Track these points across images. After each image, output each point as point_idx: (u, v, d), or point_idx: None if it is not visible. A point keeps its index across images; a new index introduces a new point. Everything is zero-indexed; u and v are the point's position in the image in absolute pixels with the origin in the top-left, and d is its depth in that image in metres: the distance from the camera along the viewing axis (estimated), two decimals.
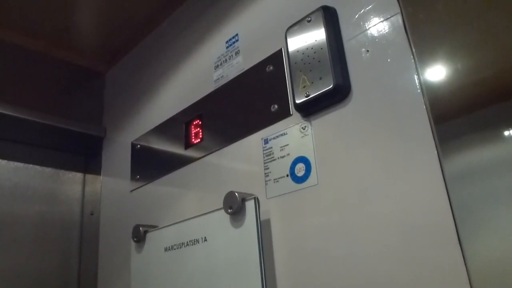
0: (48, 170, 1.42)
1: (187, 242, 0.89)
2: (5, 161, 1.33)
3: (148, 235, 1.02)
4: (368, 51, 0.73)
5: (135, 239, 1.03)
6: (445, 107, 0.64)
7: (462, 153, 0.62)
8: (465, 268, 0.55)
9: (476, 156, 0.61)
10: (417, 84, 0.65)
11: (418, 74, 0.66)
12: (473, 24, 0.65)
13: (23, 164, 1.37)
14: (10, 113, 1.23)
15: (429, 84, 0.65)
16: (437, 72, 0.66)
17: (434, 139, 0.62)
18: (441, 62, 0.66)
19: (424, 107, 0.64)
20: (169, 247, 0.93)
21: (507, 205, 0.57)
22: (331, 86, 0.72)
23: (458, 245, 0.56)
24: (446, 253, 0.57)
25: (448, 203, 0.58)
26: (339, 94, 0.73)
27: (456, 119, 0.64)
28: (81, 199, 1.47)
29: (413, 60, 0.67)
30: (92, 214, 1.41)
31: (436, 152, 0.61)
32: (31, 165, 1.38)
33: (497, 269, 0.56)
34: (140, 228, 1.02)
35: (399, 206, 0.63)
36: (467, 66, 0.64)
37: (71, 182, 1.47)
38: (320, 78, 0.74)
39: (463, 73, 0.64)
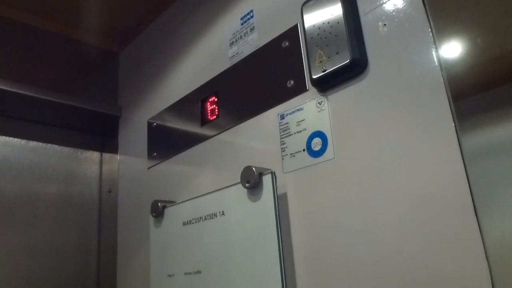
0: (66, 149, 1.44)
1: (205, 216, 0.91)
2: (25, 140, 1.36)
3: (167, 210, 1.04)
4: (385, 25, 0.73)
5: (153, 214, 1.06)
6: (464, 83, 0.64)
7: (481, 130, 0.61)
8: (481, 241, 0.56)
9: (496, 133, 0.60)
10: (435, 59, 0.65)
11: (436, 49, 0.65)
12: None
13: (41, 143, 1.39)
14: (28, 93, 1.25)
15: (447, 59, 0.64)
16: (456, 47, 0.65)
17: (453, 115, 0.61)
18: (460, 37, 0.65)
19: (442, 82, 0.63)
20: (187, 221, 0.96)
21: None
22: (348, 60, 0.72)
23: (475, 218, 0.57)
24: (462, 226, 0.58)
25: (466, 177, 0.58)
26: (356, 68, 0.73)
27: (475, 95, 0.63)
28: (98, 177, 1.50)
29: (431, 34, 0.66)
30: (110, 191, 1.44)
31: (454, 127, 0.61)
32: (49, 145, 1.41)
33: None
34: (159, 204, 1.04)
35: (416, 180, 0.64)
36: (487, 41, 0.63)
37: (89, 161, 1.50)
38: (337, 53, 0.74)
39: (482, 48, 0.63)
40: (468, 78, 0.64)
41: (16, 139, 1.34)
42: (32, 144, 1.37)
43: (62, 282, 1.31)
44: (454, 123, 0.61)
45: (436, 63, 0.65)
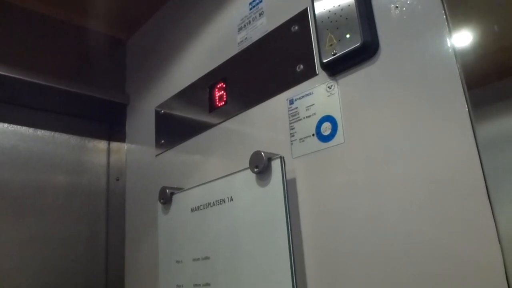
0: (73, 138, 1.45)
1: (214, 202, 0.90)
2: (32, 129, 1.36)
3: (175, 196, 1.04)
4: (397, 7, 0.71)
5: (161, 200, 1.05)
6: (479, 70, 0.62)
7: (496, 118, 0.60)
8: (494, 225, 0.55)
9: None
10: (449, 44, 0.63)
11: (450, 34, 0.63)
12: None
13: (49, 132, 1.40)
14: (35, 81, 1.26)
15: (462, 44, 0.62)
16: (471, 32, 0.63)
17: (467, 101, 0.60)
18: (476, 22, 0.64)
19: (456, 67, 0.62)
20: (195, 207, 0.95)
21: None
22: (359, 43, 0.71)
23: (488, 202, 0.56)
24: (475, 210, 0.57)
25: (479, 162, 0.57)
26: (367, 51, 0.72)
27: (491, 83, 0.61)
28: (106, 165, 1.50)
29: (445, 17, 0.65)
30: (117, 179, 1.44)
31: (468, 113, 0.60)
32: (57, 133, 1.41)
33: None
34: (167, 190, 1.04)
35: (428, 165, 0.63)
36: (505, 27, 0.61)
37: (97, 149, 1.50)
38: (348, 36, 0.73)
39: (500, 34, 0.61)
40: (484, 65, 0.62)
41: (24, 128, 1.35)
42: (40, 132, 1.38)
43: (71, 270, 1.32)
44: (468, 110, 0.60)
45: (450, 49, 0.63)
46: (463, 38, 0.63)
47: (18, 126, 1.33)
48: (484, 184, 0.57)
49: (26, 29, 1.33)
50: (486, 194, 0.56)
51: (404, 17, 0.70)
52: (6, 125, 1.31)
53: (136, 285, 1.26)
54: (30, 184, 1.31)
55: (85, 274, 1.35)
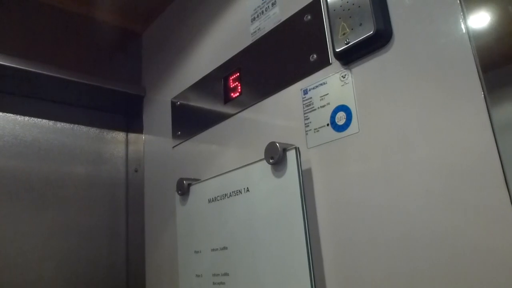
0: (92, 130, 1.47)
1: (230, 193, 0.92)
2: (52, 121, 1.39)
3: (192, 187, 1.05)
4: None
5: (179, 192, 1.07)
6: (494, 53, 0.61)
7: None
8: None
9: None
10: (463, 28, 0.62)
11: (464, 18, 0.63)
12: None
13: (69, 124, 1.42)
14: (54, 75, 1.27)
15: (476, 28, 0.62)
16: (485, 15, 0.63)
17: (482, 86, 0.59)
18: (489, 4, 0.63)
19: (471, 52, 0.61)
20: (212, 198, 0.97)
21: None
22: (372, 31, 0.71)
23: (506, 188, 0.55)
24: (492, 197, 0.56)
25: (496, 148, 0.57)
26: (380, 39, 0.72)
27: (506, 65, 0.61)
28: (125, 157, 1.52)
29: (459, 2, 0.64)
30: (136, 171, 1.47)
31: (483, 98, 0.59)
32: (76, 126, 1.44)
33: None
34: (184, 182, 1.06)
35: (444, 152, 0.63)
36: None
37: (115, 141, 1.52)
38: (361, 24, 0.72)
39: None
40: (499, 48, 0.62)
41: (44, 120, 1.37)
42: (60, 125, 1.40)
43: (93, 260, 1.35)
44: (484, 94, 0.59)
45: (464, 33, 0.62)
46: (477, 21, 0.62)
47: (38, 119, 1.36)
48: (501, 168, 0.56)
49: (44, 24, 1.35)
50: (504, 180, 0.56)
51: (418, 3, 0.69)
52: (26, 118, 1.33)
53: (156, 274, 1.29)
54: (51, 175, 1.33)
55: (106, 263, 1.38)
